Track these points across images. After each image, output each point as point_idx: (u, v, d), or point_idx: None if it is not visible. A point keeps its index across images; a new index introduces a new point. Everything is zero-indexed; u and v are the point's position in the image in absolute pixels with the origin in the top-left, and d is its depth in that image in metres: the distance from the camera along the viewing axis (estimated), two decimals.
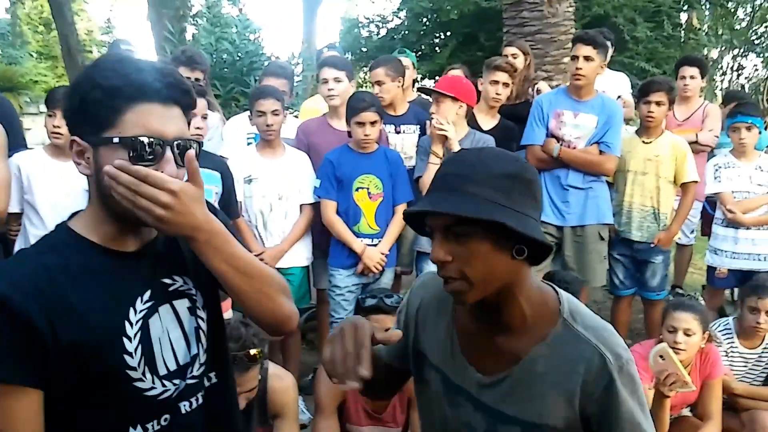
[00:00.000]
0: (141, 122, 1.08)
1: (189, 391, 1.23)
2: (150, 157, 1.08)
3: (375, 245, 3.31)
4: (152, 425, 1.18)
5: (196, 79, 3.41)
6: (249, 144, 3.64)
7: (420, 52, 9.99)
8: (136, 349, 1.14)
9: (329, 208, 3.31)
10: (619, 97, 4.48)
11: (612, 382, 1.13)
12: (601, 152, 3.62)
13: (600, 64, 3.68)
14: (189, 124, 1.19)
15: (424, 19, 10.41)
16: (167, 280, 1.22)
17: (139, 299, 1.16)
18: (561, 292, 1.25)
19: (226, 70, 6.35)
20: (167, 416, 1.20)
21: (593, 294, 4.38)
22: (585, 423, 1.17)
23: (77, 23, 10.72)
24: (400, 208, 3.35)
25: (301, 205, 3.40)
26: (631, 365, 1.16)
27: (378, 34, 11.23)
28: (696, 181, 3.77)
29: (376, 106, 3.21)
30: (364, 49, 10.76)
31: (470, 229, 1.10)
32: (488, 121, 3.80)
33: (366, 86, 10.52)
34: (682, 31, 10.39)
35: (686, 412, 3.05)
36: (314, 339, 4.16)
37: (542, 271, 3.16)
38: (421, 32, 10.43)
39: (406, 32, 10.67)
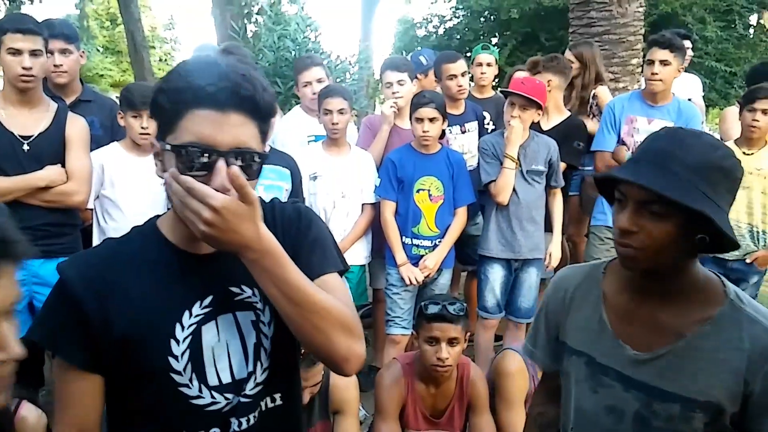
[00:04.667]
0: (194, 129, 1.03)
1: (243, 409, 1.17)
2: (201, 167, 1.02)
3: (434, 247, 3.30)
4: None
5: None
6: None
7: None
8: (183, 354, 1.12)
9: (387, 208, 3.32)
10: (689, 99, 4.33)
11: None
12: None
13: (677, 68, 3.53)
14: (265, 133, 1.11)
15: (483, 18, 10.31)
16: (235, 289, 1.17)
17: (197, 303, 1.14)
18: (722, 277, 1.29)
19: (286, 68, 6.42)
20: (216, 430, 1.15)
21: None
22: (744, 401, 1.19)
23: (142, 19, 11.02)
24: (461, 211, 3.34)
25: (362, 204, 3.42)
26: None
27: (436, 33, 11.18)
28: None
29: (436, 103, 3.19)
30: (420, 49, 10.73)
31: (670, 211, 1.13)
32: (546, 121, 3.74)
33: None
34: (752, 32, 9.98)
35: None
36: (369, 336, 4.19)
37: None
38: (480, 31, 10.35)
39: (465, 31, 10.59)
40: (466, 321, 2.48)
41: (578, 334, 1.36)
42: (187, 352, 1.12)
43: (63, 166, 2.65)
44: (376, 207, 3.40)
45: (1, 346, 0.84)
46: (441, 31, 10.98)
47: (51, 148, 2.63)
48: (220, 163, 1.01)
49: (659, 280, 1.24)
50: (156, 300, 1.12)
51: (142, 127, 2.85)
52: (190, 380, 1.13)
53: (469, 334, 2.55)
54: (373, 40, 15.19)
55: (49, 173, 2.60)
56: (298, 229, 1.22)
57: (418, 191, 3.28)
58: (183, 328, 1.12)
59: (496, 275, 3.38)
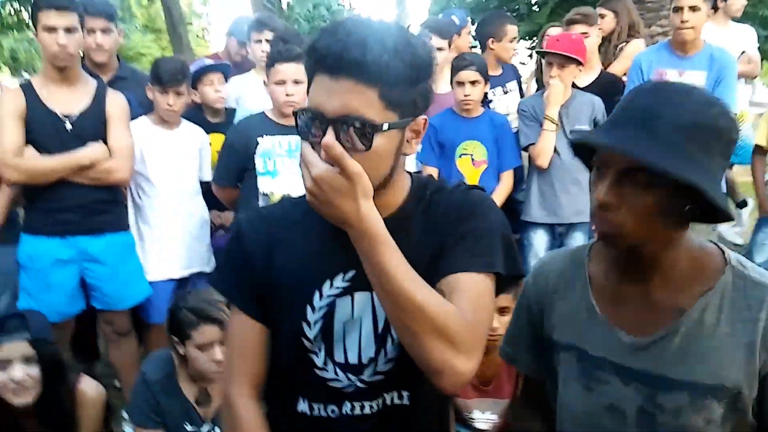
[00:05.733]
0: (312, 95, 1.01)
1: (360, 394, 1.14)
2: (314, 132, 0.98)
3: None
4: (319, 408, 1.15)
5: (266, 41, 3.40)
6: None
7: (515, 12, 9.62)
8: (316, 322, 1.12)
9: (430, 174, 3.25)
10: (743, 52, 4.10)
11: None
12: None
13: (707, 13, 3.32)
14: (395, 101, 1.00)
15: None
16: None
17: (340, 276, 1.12)
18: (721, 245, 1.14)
19: None
20: (334, 408, 1.14)
21: None
22: (762, 381, 1.04)
23: None
24: (506, 175, 3.25)
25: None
26: None
27: None
28: None
29: (477, 65, 3.11)
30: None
31: (655, 181, 0.97)
32: (583, 77, 3.58)
33: None
34: None
35: None
36: None
37: None
38: None
39: None
40: (515, 290, 2.42)
41: (565, 325, 1.19)
42: (320, 322, 1.12)
43: (104, 142, 2.67)
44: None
45: None
46: None
47: (93, 125, 2.64)
48: (326, 138, 0.94)
49: (647, 257, 1.08)
50: (304, 265, 1.13)
51: (168, 104, 2.86)
52: (319, 350, 1.13)
53: None
54: (407, 4, 14.92)
55: (93, 151, 2.62)
56: (457, 218, 1.10)
57: (460, 156, 3.21)
58: (321, 296, 1.12)
59: (539, 241, 3.28)
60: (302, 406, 1.16)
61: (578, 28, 3.50)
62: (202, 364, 2.12)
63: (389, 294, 0.96)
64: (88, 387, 2.08)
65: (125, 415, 2.84)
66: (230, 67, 3.46)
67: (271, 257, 1.14)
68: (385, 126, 0.99)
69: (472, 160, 3.22)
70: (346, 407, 1.13)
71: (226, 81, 3.33)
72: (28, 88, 2.61)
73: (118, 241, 2.77)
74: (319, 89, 0.98)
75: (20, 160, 2.52)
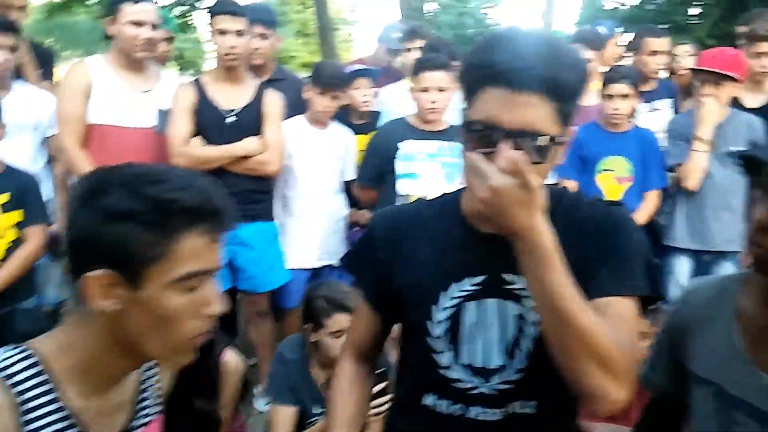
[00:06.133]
0: (484, 107, 1.01)
1: (486, 400, 1.14)
2: (486, 145, 0.99)
3: None
4: (444, 405, 1.17)
5: (418, 48, 3.46)
6: None
7: (671, 24, 9.08)
8: (441, 322, 1.14)
9: None
10: None
11: None
12: None
13: None
14: (568, 114, 1.03)
15: None
16: (508, 276, 1.12)
17: (468, 279, 1.13)
18: None
19: (464, 45, 6.39)
20: (459, 407, 1.16)
21: None
22: None
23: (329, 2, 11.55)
24: (652, 195, 3.09)
25: None
26: None
27: (623, 4, 10.44)
28: None
29: (630, 79, 3.00)
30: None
31: None
32: (753, 98, 3.30)
33: None
34: None
35: None
36: None
37: None
38: (678, 1, 9.46)
39: (660, 1, 9.76)
40: (654, 315, 2.30)
41: (705, 359, 1.14)
42: (446, 323, 1.15)
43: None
44: None
45: (208, 303, 0.93)
46: (633, 1, 10.20)
47: (251, 120, 2.88)
48: (504, 145, 0.96)
49: None
50: (432, 265, 1.16)
51: (324, 105, 3.02)
52: (444, 351, 1.15)
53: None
54: (555, 12, 14.53)
55: (249, 144, 2.86)
56: (598, 232, 1.09)
57: (601, 171, 3.11)
58: (448, 298, 1.14)
59: (682, 267, 3.10)
60: (427, 400, 1.19)
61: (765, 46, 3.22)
62: (333, 351, 2.23)
63: (553, 312, 0.96)
64: (231, 359, 2.25)
65: (258, 391, 3.05)
66: (379, 73, 3.59)
67: (398, 251, 1.19)
68: (561, 140, 1.02)
69: (614, 176, 3.11)
70: (472, 411, 1.15)
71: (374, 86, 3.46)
72: (198, 85, 2.89)
73: (266, 229, 2.99)
74: (494, 102, 0.99)
75: (187, 148, 2.79)
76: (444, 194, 1.26)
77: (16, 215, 2.48)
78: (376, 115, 3.46)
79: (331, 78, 3.02)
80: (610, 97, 3.02)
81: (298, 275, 3.10)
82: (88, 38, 14.48)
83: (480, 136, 1.00)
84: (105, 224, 0.86)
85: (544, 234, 0.95)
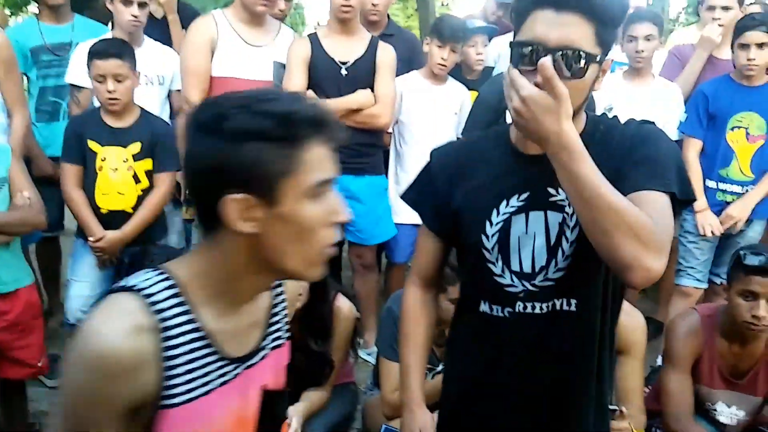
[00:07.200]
0: (531, 28, 1.14)
1: (531, 296, 1.29)
2: (528, 62, 1.12)
3: (743, 194, 2.90)
4: (497, 309, 1.32)
5: None
6: None
7: None
8: (493, 235, 1.29)
9: (692, 146, 2.99)
10: None
11: None
12: None
13: None
14: (607, 39, 1.16)
15: None
16: (551, 190, 1.25)
17: (515, 196, 1.27)
18: None
19: None
20: (509, 309, 1.31)
21: None
22: None
23: None
24: None
25: None
26: None
27: None
28: None
29: (767, 26, 2.74)
30: None
31: None
32: None
33: None
34: None
35: None
36: None
37: None
38: None
39: None
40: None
41: None
42: (497, 235, 1.29)
43: (372, 90, 2.90)
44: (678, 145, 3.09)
45: (336, 210, 0.93)
46: None
47: (364, 73, 2.89)
48: (543, 59, 1.06)
49: None
50: (485, 187, 1.31)
51: (442, 58, 2.97)
52: (497, 260, 1.30)
53: None
54: None
55: (361, 96, 2.87)
56: (631, 146, 1.21)
57: (732, 128, 2.89)
58: (498, 213, 1.28)
59: None
60: (484, 306, 1.34)
61: None
62: (448, 315, 2.22)
63: (585, 198, 1.07)
64: (344, 304, 2.31)
65: (361, 341, 3.12)
66: (496, 31, 3.50)
67: (454, 181, 1.34)
68: (598, 58, 1.14)
69: (747, 134, 2.88)
70: (519, 306, 1.29)
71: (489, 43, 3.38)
72: (314, 38, 2.93)
73: (376, 182, 3.02)
74: (541, 23, 1.12)
75: None
76: (497, 127, 1.42)
77: (147, 163, 2.64)
78: (489, 70, 3.38)
79: (452, 31, 2.98)
80: (745, 46, 2.78)
81: (407, 231, 3.10)
82: None
83: (525, 54, 1.12)
84: (234, 147, 0.86)
85: (570, 136, 1.07)
